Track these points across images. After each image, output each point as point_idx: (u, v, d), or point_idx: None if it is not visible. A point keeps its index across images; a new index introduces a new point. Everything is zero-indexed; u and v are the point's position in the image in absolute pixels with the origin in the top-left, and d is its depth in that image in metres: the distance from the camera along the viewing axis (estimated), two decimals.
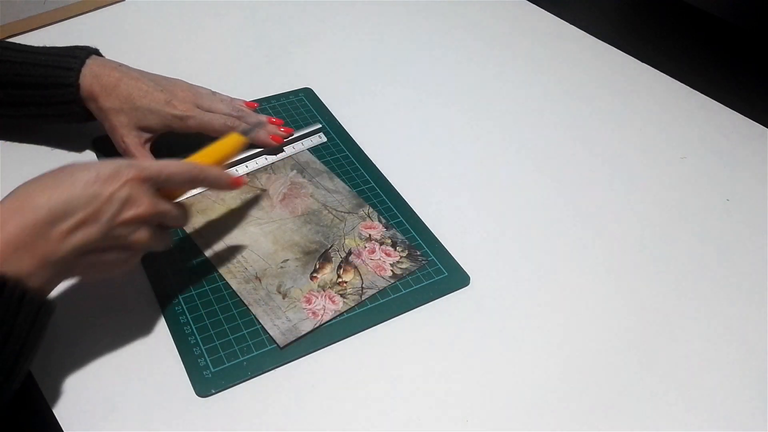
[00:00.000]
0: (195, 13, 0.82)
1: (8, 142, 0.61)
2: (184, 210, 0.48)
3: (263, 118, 0.64)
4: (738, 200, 0.65)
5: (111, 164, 0.42)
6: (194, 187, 0.48)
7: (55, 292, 0.49)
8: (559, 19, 0.89)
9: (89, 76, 0.55)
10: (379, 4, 0.88)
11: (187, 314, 0.49)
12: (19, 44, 0.57)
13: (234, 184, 0.50)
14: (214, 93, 0.63)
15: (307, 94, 0.72)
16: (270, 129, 0.63)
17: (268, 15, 0.84)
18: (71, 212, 0.39)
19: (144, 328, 0.48)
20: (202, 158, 0.51)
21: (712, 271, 0.58)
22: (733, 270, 0.58)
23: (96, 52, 0.58)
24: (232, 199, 0.59)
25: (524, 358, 0.50)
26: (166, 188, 0.46)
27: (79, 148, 0.62)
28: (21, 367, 0.39)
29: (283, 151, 0.64)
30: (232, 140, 0.54)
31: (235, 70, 0.74)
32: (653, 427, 0.46)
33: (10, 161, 0.59)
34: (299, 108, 0.70)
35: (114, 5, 0.81)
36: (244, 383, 0.46)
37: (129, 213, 0.41)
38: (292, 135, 0.64)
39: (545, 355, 0.50)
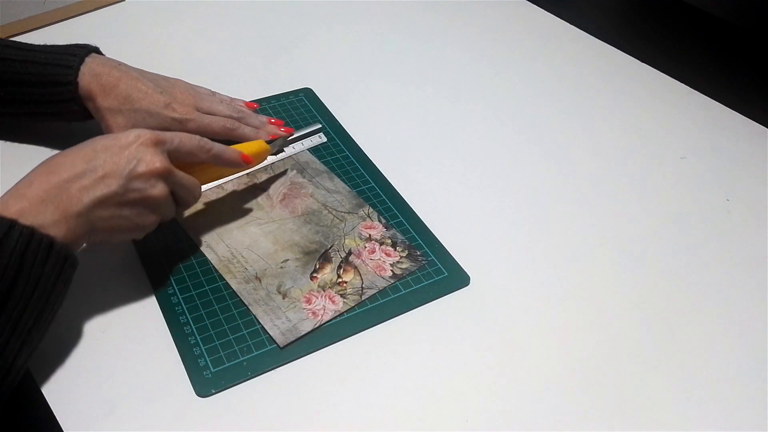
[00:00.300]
0: (195, 13, 0.82)
1: (8, 142, 0.61)
2: (194, 181, 0.50)
3: (263, 118, 0.64)
4: (738, 200, 0.65)
5: (129, 132, 0.47)
6: (205, 159, 0.51)
7: None
8: (559, 19, 0.90)
9: (88, 74, 0.55)
10: (378, 4, 0.88)
11: (187, 314, 0.49)
12: (19, 42, 0.57)
13: (243, 159, 0.54)
14: (213, 93, 0.63)
15: (307, 94, 0.72)
16: (270, 129, 0.63)
17: (268, 15, 0.84)
18: (92, 170, 0.44)
19: (144, 328, 0.48)
20: None
21: (712, 271, 0.58)
22: (733, 270, 0.58)
23: (96, 50, 0.58)
24: (232, 199, 0.59)
25: (524, 357, 0.50)
26: (180, 160, 0.49)
27: None
28: (45, 318, 0.42)
29: (283, 151, 0.64)
30: (258, 145, 0.57)
31: (235, 70, 0.74)
32: (654, 427, 0.46)
33: (10, 161, 0.59)
34: (299, 108, 0.70)
35: (114, 5, 0.81)
36: (244, 383, 0.46)
37: (144, 168, 0.45)
38: (292, 135, 0.64)
39: (545, 354, 0.50)
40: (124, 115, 0.56)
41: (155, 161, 0.46)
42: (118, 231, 0.46)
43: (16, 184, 0.43)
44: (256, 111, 0.65)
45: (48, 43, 0.58)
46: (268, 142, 0.60)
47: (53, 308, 0.43)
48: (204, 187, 0.58)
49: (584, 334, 0.52)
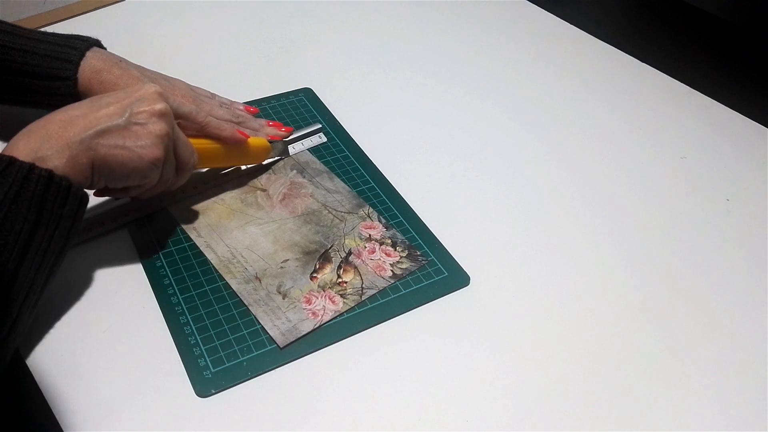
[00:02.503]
0: (195, 13, 0.82)
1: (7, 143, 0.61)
2: (191, 144, 0.52)
3: (263, 122, 0.64)
4: (738, 200, 0.65)
5: (136, 85, 0.50)
6: (200, 125, 0.54)
7: (55, 293, 0.49)
8: (559, 19, 0.90)
9: (88, 70, 0.55)
10: (379, 4, 0.88)
11: (187, 314, 0.49)
12: (21, 28, 0.56)
13: (240, 133, 0.57)
14: (213, 96, 0.63)
15: (307, 94, 0.72)
16: (268, 131, 0.63)
17: (268, 15, 0.84)
18: (97, 107, 0.46)
19: (144, 328, 0.48)
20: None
21: (712, 271, 0.58)
22: (733, 270, 0.58)
23: (97, 43, 0.58)
24: (232, 199, 0.59)
25: (524, 357, 0.50)
26: (179, 124, 0.52)
27: None
28: (65, 253, 0.45)
29: (288, 154, 0.63)
30: (259, 140, 0.59)
31: (235, 70, 0.74)
32: (654, 427, 0.46)
33: None
34: (299, 108, 0.70)
35: (114, 5, 0.81)
36: (244, 383, 0.46)
37: (147, 106, 0.47)
38: (292, 134, 0.64)
39: (545, 354, 0.50)
40: None
41: (158, 103, 0.48)
42: (120, 161, 0.46)
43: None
44: (256, 115, 0.65)
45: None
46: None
47: (71, 243, 0.46)
48: (205, 189, 0.59)
49: (584, 334, 0.52)
